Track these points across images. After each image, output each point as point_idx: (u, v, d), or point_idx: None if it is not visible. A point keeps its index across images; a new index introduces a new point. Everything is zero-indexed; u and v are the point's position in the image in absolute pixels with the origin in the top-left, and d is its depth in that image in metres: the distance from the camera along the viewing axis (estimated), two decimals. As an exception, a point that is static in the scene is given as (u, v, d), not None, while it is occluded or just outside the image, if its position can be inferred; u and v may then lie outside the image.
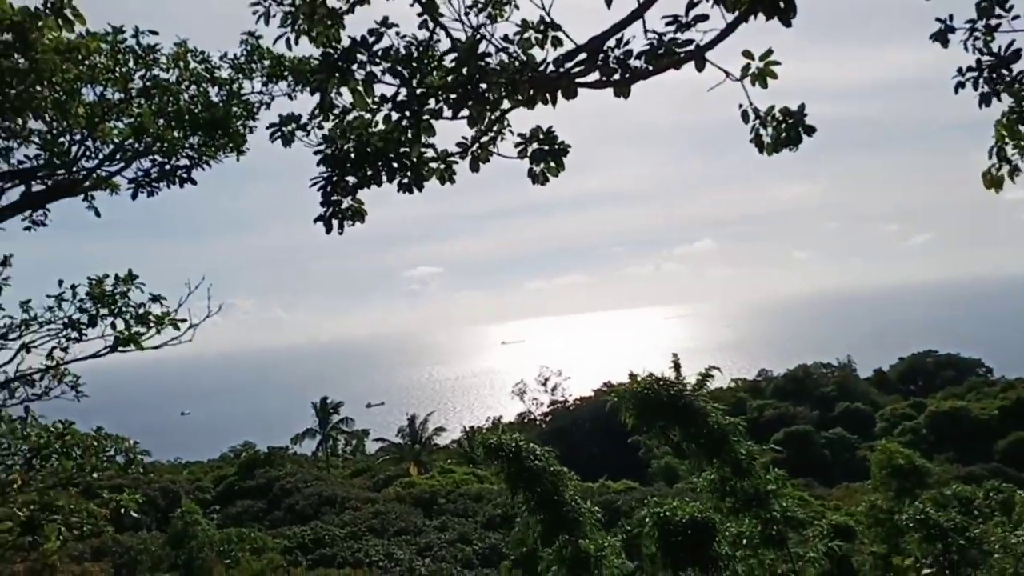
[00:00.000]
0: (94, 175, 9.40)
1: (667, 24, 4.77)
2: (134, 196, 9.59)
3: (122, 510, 11.46)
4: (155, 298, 9.80)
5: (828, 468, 58.09)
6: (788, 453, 52.65)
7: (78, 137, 9.14)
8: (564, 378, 77.67)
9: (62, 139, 9.05)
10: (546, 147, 6.12)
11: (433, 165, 6.33)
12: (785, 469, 14.23)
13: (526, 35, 5.73)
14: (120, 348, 9.66)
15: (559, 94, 5.19)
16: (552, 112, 5.56)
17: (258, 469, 50.28)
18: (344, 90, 5.98)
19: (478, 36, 5.51)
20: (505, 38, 5.61)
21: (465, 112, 5.57)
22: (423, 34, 5.99)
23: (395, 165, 6.14)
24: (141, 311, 9.66)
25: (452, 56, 5.54)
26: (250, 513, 42.22)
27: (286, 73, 9.67)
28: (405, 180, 6.20)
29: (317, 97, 6.19)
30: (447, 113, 5.85)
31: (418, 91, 5.82)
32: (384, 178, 6.21)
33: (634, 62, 5.10)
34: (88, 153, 9.31)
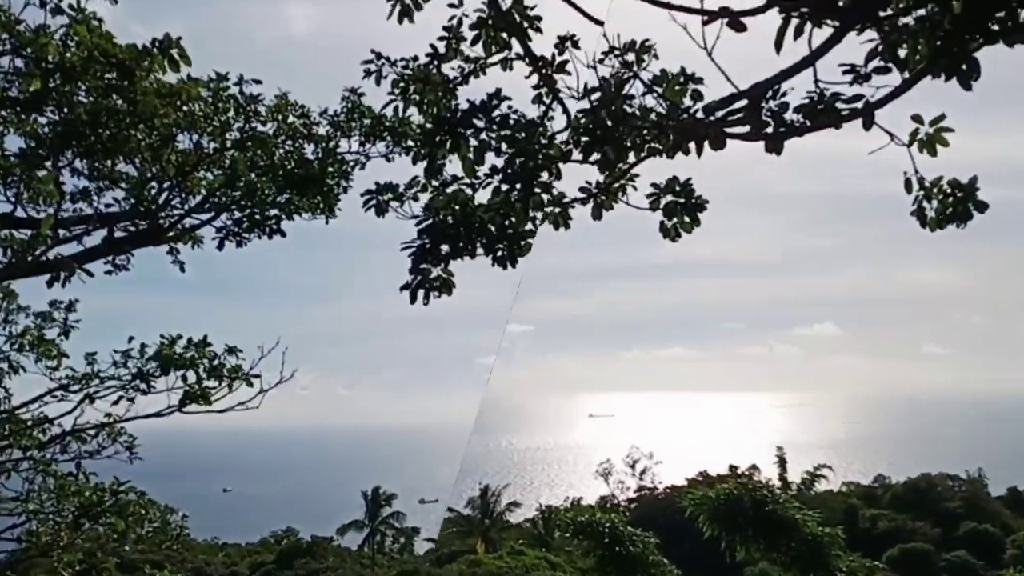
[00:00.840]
0: (179, 225, 9.75)
1: (844, 72, 4.70)
2: (220, 246, 9.89)
3: (161, 590, 11.47)
4: (231, 350, 9.97)
5: (947, 595, 54.41)
6: (903, 574, 49.84)
7: (167, 185, 9.53)
8: (655, 462, 74.52)
9: (151, 185, 9.44)
10: (682, 200, 6.12)
11: (548, 209, 6.31)
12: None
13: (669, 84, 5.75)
14: (186, 406, 9.80)
15: (706, 144, 5.12)
16: (678, 165, 5.55)
17: (298, 559, 50.22)
18: (451, 159, 6.10)
19: (625, 75, 5.54)
20: (654, 79, 5.65)
21: (596, 155, 5.57)
22: (534, 111, 6.11)
23: (494, 236, 6.18)
24: (215, 363, 9.82)
25: (595, 95, 5.55)
26: (285, 606, 41.97)
27: (385, 133, 9.95)
28: (501, 253, 6.22)
29: (422, 162, 6.32)
30: (576, 156, 5.86)
31: (530, 164, 5.88)
32: (481, 250, 6.25)
33: (790, 115, 5.04)
34: (175, 202, 9.68)
